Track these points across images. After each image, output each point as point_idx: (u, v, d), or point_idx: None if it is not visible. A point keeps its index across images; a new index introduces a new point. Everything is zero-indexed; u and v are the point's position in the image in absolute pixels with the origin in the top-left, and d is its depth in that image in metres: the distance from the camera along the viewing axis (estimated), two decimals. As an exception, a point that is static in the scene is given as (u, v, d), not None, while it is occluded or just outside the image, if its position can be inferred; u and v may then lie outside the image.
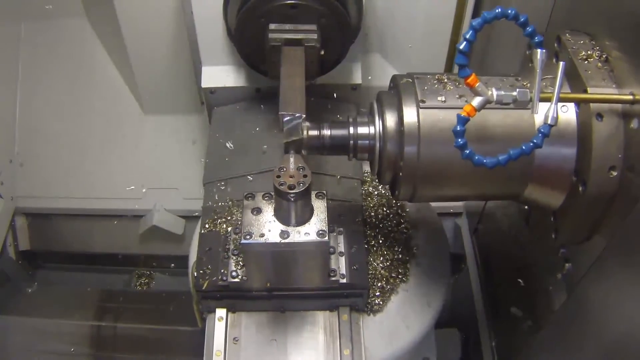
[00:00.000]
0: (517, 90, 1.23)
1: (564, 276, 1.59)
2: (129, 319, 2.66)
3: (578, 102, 1.37)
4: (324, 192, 1.59)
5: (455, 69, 1.25)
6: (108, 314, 2.66)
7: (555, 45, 1.45)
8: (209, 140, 2.15)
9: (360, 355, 1.69)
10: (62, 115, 3.06)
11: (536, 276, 1.85)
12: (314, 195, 1.56)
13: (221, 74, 2.25)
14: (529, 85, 1.42)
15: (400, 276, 1.87)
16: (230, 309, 1.75)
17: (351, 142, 1.47)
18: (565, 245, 1.56)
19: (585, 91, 1.32)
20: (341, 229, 1.79)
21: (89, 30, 3.11)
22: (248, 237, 1.50)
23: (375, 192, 2.03)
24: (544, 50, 1.20)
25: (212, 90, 2.23)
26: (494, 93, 1.21)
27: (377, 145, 1.45)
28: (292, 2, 1.84)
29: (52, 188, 2.99)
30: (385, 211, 1.98)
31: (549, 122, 1.21)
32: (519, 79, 1.46)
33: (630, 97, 1.26)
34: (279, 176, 1.46)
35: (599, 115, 1.30)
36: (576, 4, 1.60)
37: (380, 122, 1.44)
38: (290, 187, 1.44)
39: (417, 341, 1.84)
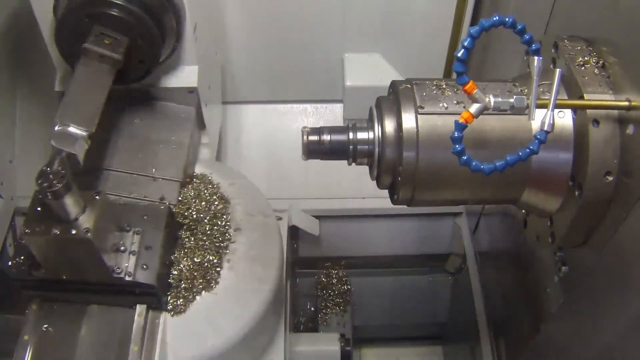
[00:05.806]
0: (515, 97, 1.23)
1: (561, 279, 1.61)
2: None
3: (574, 108, 1.38)
4: (100, 191, 1.65)
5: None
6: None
7: (553, 50, 1.47)
8: None
9: (150, 353, 1.75)
10: (62, 115, 3.04)
11: (534, 277, 1.86)
12: (89, 195, 1.62)
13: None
14: (526, 90, 1.43)
15: (208, 279, 1.88)
16: (43, 299, 1.81)
17: (350, 147, 1.48)
18: (562, 248, 1.58)
19: (582, 97, 1.33)
20: (139, 228, 1.82)
21: (88, 30, 3.10)
22: (26, 230, 1.58)
23: (199, 194, 2.03)
24: (541, 58, 1.21)
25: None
26: (491, 100, 1.22)
27: (376, 150, 1.45)
28: (99, 11, 1.80)
29: (52, 188, 2.97)
30: (204, 215, 1.98)
31: (545, 128, 1.21)
32: (517, 84, 1.46)
33: (626, 103, 1.27)
34: (40, 175, 1.52)
35: (595, 121, 1.31)
36: (574, 9, 1.62)
37: (380, 127, 1.45)
38: (49, 186, 1.50)
39: (229, 345, 1.85)
